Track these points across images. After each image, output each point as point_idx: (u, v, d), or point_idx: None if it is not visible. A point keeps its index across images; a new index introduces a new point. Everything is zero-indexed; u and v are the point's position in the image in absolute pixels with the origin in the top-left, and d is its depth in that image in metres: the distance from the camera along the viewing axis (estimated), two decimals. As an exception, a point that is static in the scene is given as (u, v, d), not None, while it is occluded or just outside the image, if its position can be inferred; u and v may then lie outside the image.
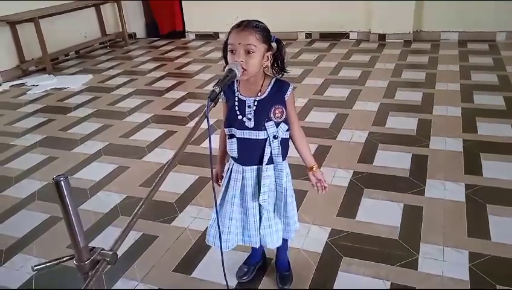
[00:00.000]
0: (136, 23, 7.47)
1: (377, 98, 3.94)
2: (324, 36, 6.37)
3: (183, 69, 5.51)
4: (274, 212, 1.72)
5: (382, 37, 5.97)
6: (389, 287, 1.87)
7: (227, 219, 1.71)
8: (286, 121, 1.60)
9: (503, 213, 2.28)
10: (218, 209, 1.73)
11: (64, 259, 0.87)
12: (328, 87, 4.35)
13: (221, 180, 1.78)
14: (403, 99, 3.88)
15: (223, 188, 1.73)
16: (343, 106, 3.84)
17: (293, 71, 4.91)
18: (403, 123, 3.40)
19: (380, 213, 2.36)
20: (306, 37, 6.50)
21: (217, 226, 1.70)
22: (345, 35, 6.28)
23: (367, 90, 4.18)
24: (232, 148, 1.62)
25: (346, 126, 3.44)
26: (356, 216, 2.36)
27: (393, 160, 2.88)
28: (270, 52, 1.52)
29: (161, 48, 6.70)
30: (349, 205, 2.46)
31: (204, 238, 2.24)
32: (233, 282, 1.97)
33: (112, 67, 5.81)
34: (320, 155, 2.97)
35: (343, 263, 2.03)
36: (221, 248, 1.58)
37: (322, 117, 3.63)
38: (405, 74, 4.56)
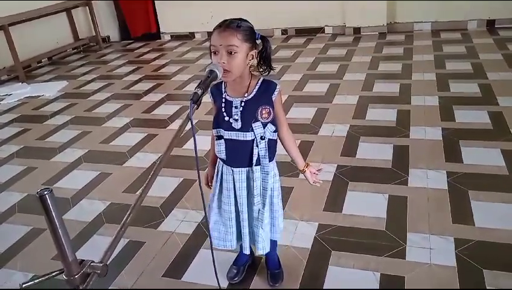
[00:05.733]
0: (109, 26, 7.34)
1: (355, 91, 3.97)
2: (300, 32, 6.39)
3: (160, 71, 5.45)
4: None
5: (357, 30, 6.02)
6: (378, 278, 1.89)
7: (228, 219, 1.72)
8: (274, 122, 1.59)
9: (485, 198, 2.33)
10: (212, 211, 1.74)
11: (53, 274, 0.84)
12: (307, 83, 4.36)
13: (211, 182, 1.77)
14: (381, 91, 3.92)
15: (217, 190, 1.72)
16: (323, 101, 3.86)
17: (271, 68, 4.91)
18: (383, 115, 3.44)
19: (366, 205, 2.39)
20: (282, 34, 6.51)
21: (219, 228, 1.75)
22: (321, 30, 6.31)
23: (345, 84, 4.21)
24: (220, 149, 1.60)
25: (327, 120, 3.46)
26: (342, 209, 2.38)
27: (375, 152, 2.91)
28: (255, 51, 1.50)
29: (136, 51, 6.61)
30: (335, 199, 2.47)
31: (193, 241, 2.25)
32: (224, 283, 1.96)
33: (87, 73, 5.70)
34: (304, 151, 2.98)
35: (333, 256, 2.04)
36: (211, 247, 1.56)
37: (302, 113, 3.64)
38: (382, 66, 4.61)
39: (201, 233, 2.31)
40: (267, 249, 1.77)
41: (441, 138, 2.98)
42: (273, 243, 1.87)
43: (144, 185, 1.04)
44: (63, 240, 0.81)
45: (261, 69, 1.59)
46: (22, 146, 3.68)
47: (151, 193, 2.65)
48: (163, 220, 2.46)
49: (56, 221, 0.80)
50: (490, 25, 5.57)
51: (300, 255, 2.07)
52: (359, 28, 6.00)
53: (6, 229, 2.58)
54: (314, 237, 2.19)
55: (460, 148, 2.83)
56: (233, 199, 1.69)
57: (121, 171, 3.07)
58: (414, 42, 5.34)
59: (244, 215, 1.69)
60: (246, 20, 1.48)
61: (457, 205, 2.30)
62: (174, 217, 2.49)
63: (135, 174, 2.99)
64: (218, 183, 1.70)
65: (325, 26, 6.27)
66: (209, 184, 1.81)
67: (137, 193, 2.69)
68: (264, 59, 1.57)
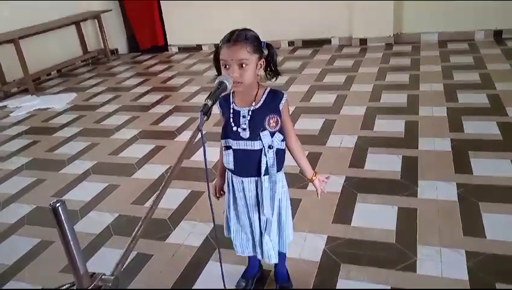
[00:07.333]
0: (118, 39, 7.42)
1: (363, 102, 3.97)
2: (306, 43, 6.42)
3: (167, 83, 5.49)
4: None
5: (364, 41, 6.04)
6: (389, 292, 1.87)
7: (246, 226, 1.74)
8: (281, 131, 1.60)
9: (496, 210, 2.30)
10: (231, 221, 1.75)
11: (64, 287, 0.84)
12: (314, 94, 4.37)
13: (220, 193, 1.78)
14: (388, 102, 3.92)
15: (231, 200, 1.72)
16: (331, 112, 3.86)
17: (278, 80, 4.91)
18: (391, 126, 3.42)
19: (375, 217, 2.37)
20: (289, 45, 6.54)
21: (241, 236, 1.77)
22: (327, 41, 6.33)
23: (353, 95, 4.21)
24: (229, 159, 1.61)
25: (335, 132, 3.45)
26: (351, 222, 2.36)
27: (383, 163, 2.89)
28: (263, 60, 1.52)
29: (144, 63, 6.66)
30: (344, 211, 2.45)
31: (201, 253, 2.24)
32: (233, 296, 1.94)
33: (95, 85, 5.76)
34: (311, 162, 2.91)
35: (342, 270, 2.02)
36: (220, 259, 1.55)
37: (310, 124, 3.64)
38: (389, 77, 4.61)
39: (210, 245, 2.30)
40: (275, 260, 1.76)
41: (450, 149, 2.96)
42: (282, 256, 1.86)
43: (155, 196, 1.04)
44: (75, 252, 0.81)
45: (268, 76, 1.60)
46: (31, 158, 3.70)
47: (159, 205, 2.67)
48: (171, 232, 2.46)
49: (68, 233, 0.80)
50: (497, 35, 5.57)
51: (309, 268, 2.05)
52: (366, 39, 6.02)
53: (15, 241, 2.58)
54: (323, 249, 2.17)
55: (470, 159, 2.81)
56: (246, 208, 1.69)
57: (129, 183, 3.07)
58: (421, 53, 5.34)
59: (256, 224, 1.70)
60: (250, 30, 1.50)
61: (467, 217, 2.27)
62: (182, 229, 2.48)
63: (143, 186, 2.99)
64: (231, 194, 1.70)
65: (332, 37, 6.30)
66: (217, 195, 1.81)
67: (146, 205, 2.71)
68: (271, 66, 1.58)
